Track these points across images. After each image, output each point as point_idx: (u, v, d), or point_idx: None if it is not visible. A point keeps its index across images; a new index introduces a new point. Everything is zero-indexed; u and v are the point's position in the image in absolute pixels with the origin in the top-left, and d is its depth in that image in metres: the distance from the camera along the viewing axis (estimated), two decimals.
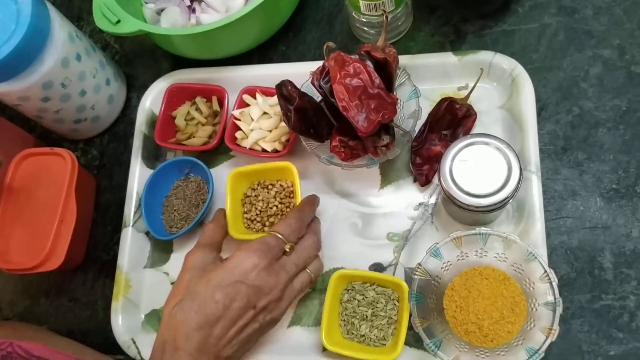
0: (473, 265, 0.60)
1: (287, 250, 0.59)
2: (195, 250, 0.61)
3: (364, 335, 0.64)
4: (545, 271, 0.56)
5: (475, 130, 0.69)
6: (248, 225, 0.70)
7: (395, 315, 0.64)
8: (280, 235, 0.59)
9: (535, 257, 0.57)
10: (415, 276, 0.59)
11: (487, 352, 0.57)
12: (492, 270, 0.60)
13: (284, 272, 0.58)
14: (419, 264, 0.59)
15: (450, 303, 0.60)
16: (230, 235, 0.68)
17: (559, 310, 0.55)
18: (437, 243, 0.59)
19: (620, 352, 0.61)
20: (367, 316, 0.65)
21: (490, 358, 0.57)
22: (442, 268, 0.61)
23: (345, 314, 0.66)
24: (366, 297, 0.65)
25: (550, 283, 0.56)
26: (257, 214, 0.70)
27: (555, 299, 0.55)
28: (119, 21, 0.72)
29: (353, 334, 0.65)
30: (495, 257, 0.60)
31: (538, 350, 0.54)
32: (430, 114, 0.70)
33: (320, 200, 0.67)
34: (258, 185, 0.71)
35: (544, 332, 0.55)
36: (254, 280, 0.56)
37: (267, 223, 0.69)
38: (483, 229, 0.59)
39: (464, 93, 0.69)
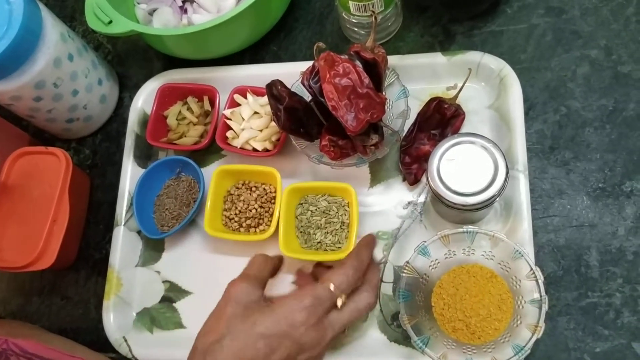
0: (461, 263, 0.61)
1: (339, 305, 0.55)
2: (240, 281, 0.56)
3: (320, 242, 0.68)
4: (532, 269, 0.57)
5: (463, 130, 0.70)
6: (226, 223, 0.71)
7: (347, 219, 0.68)
8: (334, 288, 0.54)
9: (522, 255, 0.57)
10: (403, 274, 0.60)
11: (474, 349, 0.58)
12: (479, 268, 0.60)
13: (330, 329, 0.54)
14: (407, 262, 0.60)
15: (438, 300, 0.60)
16: (205, 231, 0.70)
17: (545, 307, 0.55)
18: (425, 241, 0.60)
19: (606, 348, 0.61)
20: (321, 224, 0.69)
21: (477, 355, 0.57)
22: (430, 266, 0.61)
23: (301, 226, 0.69)
24: (319, 207, 0.69)
25: (537, 281, 0.56)
26: (236, 214, 0.71)
27: (541, 296, 0.56)
28: (111, 21, 0.72)
29: (310, 242, 0.69)
30: (482, 255, 0.61)
31: (524, 347, 0.54)
32: (419, 114, 0.70)
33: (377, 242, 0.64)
34: (243, 185, 0.72)
35: (530, 329, 0.55)
36: (300, 337, 0.52)
37: (244, 224, 0.71)
38: (470, 227, 0.59)
39: (452, 93, 0.70)
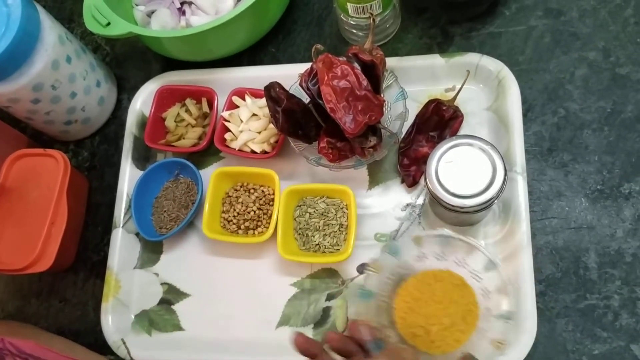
0: (431, 267, 0.57)
1: None
2: None
3: (318, 244, 0.68)
4: (503, 282, 0.54)
5: (462, 132, 0.70)
6: (224, 225, 0.71)
7: (345, 221, 0.68)
8: None
9: (496, 267, 0.54)
10: (368, 271, 0.56)
11: (431, 358, 0.54)
12: (448, 274, 0.56)
13: None
14: (373, 259, 0.57)
15: (402, 303, 0.56)
16: (204, 233, 0.70)
17: (512, 323, 0.52)
18: (396, 240, 0.57)
19: (604, 350, 0.61)
20: (319, 226, 0.69)
21: None
22: (398, 266, 0.57)
23: (299, 228, 0.70)
24: (317, 209, 0.69)
25: (507, 295, 0.53)
26: (234, 216, 0.71)
27: (508, 311, 0.53)
28: (109, 23, 0.72)
29: (308, 244, 0.69)
30: (455, 261, 0.57)
31: None
32: (417, 116, 0.70)
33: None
34: (241, 187, 0.72)
35: (494, 345, 0.52)
36: None
37: (242, 226, 0.71)
38: (446, 232, 0.56)
39: (451, 95, 0.70)
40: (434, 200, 0.60)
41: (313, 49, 0.65)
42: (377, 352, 0.50)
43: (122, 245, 0.73)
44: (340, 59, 0.63)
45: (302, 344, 0.52)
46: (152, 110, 0.76)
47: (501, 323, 0.53)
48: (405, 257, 0.58)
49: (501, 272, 0.54)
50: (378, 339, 0.52)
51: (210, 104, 0.76)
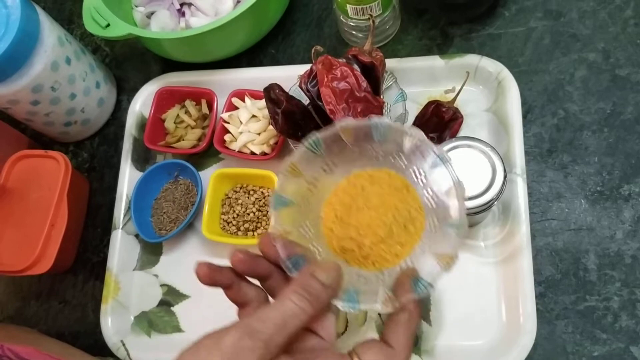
0: (365, 166, 0.47)
1: None
2: (240, 339, 0.38)
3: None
4: (453, 183, 0.43)
5: (461, 133, 0.70)
6: (224, 226, 0.71)
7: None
8: None
9: (444, 163, 0.44)
10: (283, 174, 0.45)
11: (364, 277, 0.45)
12: (387, 175, 0.46)
13: None
14: (290, 162, 0.46)
15: (330, 212, 0.46)
16: (203, 235, 0.70)
17: (463, 233, 0.42)
18: (317, 132, 0.45)
19: (604, 352, 0.61)
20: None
21: (365, 284, 0.44)
22: (322, 168, 0.47)
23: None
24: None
25: (457, 198, 0.43)
26: (234, 217, 0.71)
27: (460, 218, 0.42)
28: (108, 25, 0.72)
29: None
30: (392, 159, 0.47)
31: (426, 283, 0.41)
32: (417, 117, 0.70)
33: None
34: (240, 188, 0.72)
35: (441, 260, 0.42)
36: None
37: (241, 228, 0.70)
38: (379, 120, 0.45)
39: (450, 96, 0.70)
40: None
41: (312, 51, 0.65)
42: (295, 271, 0.42)
43: (121, 247, 0.73)
44: (340, 60, 0.63)
45: (206, 276, 0.43)
46: (152, 111, 0.76)
47: (451, 234, 0.42)
48: (332, 155, 0.47)
49: (451, 169, 0.44)
50: (297, 255, 0.43)
51: (210, 106, 0.76)
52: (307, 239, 0.46)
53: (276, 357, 0.38)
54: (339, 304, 0.42)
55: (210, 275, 0.43)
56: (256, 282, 0.46)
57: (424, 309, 0.65)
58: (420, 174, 0.45)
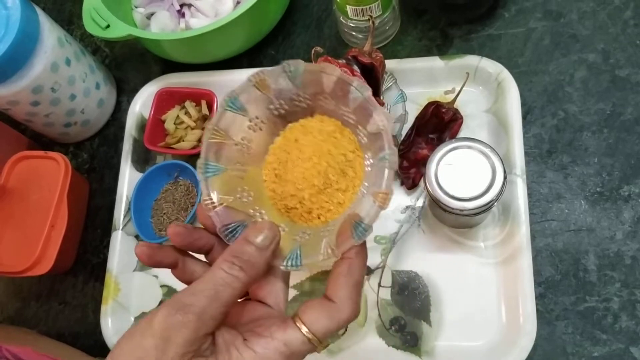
0: (299, 118, 0.44)
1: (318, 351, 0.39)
2: (169, 314, 0.36)
3: None
4: (377, 112, 0.39)
5: (461, 134, 0.70)
6: None
7: None
8: (314, 339, 0.38)
9: (362, 94, 0.40)
10: (207, 140, 0.42)
11: (310, 232, 0.42)
12: (319, 121, 0.44)
13: None
14: (212, 124, 0.42)
15: (270, 172, 0.44)
16: None
17: (392, 165, 0.38)
18: (234, 91, 0.42)
19: (604, 353, 0.61)
20: None
21: (310, 240, 0.42)
22: (249, 127, 0.44)
23: None
24: None
25: (381, 131, 0.39)
26: None
27: (389, 149, 0.38)
28: (108, 26, 0.73)
29: None
30: (322, 103, 0.43)
31: (362, 223, 0.38)
32: (417, 118, 0.70)
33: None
34: None
35: (377, 198, 0.38)
36: None
37: None
38: (292, 62, 0.41)
39: (450, 97, 0.70)
40: (434, 202, 0.60)
41: (312, 52, 0.65)
42: (233, 239, 0.40)
43: (121, 248, 0.73)
44: (340, 61, 0.63)
45: (147, 256, 0.40)
46: (152, 112, 0.76)
47: (383, 168, 0.38)
48: (255, 112, 0.43)
49: (372, 100, 0.40)
50: (235, 223, 0.41)
51: (210, 107, 0.76)
52: (248, 204, 0.43)
53: (214, 329, 0.37)
54: (281, 264, 0.39)
55: (150, 255, 0.40)
56: (202, 257, 0.44)
57: (424, 310, 0.65)
58: (348, 112, 0.42)
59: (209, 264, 0.43)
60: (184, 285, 0.68)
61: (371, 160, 0.41)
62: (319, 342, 0.38)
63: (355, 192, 0.42)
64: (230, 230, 0.40)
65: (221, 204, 0.41)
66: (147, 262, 0.41)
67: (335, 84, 0.41)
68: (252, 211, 0.42)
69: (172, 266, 0.42)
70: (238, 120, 0.43)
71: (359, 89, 0.39)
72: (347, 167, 0.42)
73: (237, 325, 0.40)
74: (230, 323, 0.39)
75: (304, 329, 0.38)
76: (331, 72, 0.40)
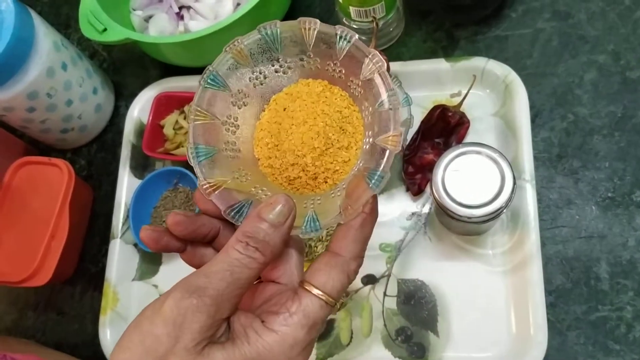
0: (282, 87, 0.42)
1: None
2: (183, 298, 0.33)
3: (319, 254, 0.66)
4: (366, 55, 0.37)
5: (468, 138, 0.68)
6: None
7: None
8: (331, 300, 0.37)
9: (349, 40, 0.38)
10: (194, 122, 0.40)
11: (319, 199, 0.40)
12: (305, 85, 0.42)
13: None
14: (195, 105, 0.40)
15: (262, 149, 0.42)
16: None
17: (396, 105, 0.36)
18: (211, 65, 0.40)
19: None
20: (322, 237, 0.67)
21: (322, 205, 0.39)
22: (233, 103, 0.41)
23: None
24: None
25: (380, 76, 0.37)
26: None
27: (388, 91, 0.37)
28: (105, 29, 0.71)
29: (311, 255, 0.67)
30: (303, 64, 0.41)
31: (378, 171, 0.36)
32: (422, 122, 0.69)
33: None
34: None
35: (387, 142, 0.36)
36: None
37: None
38: (269, 27, 0.40)
39: (456, 100, 0.68)
40: (441, 209, 0.58)
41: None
42: (242, 219, 0.37)
43: (120, 257, 0.72)
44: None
45: (153, 240, 0.38)
46: (150, 117, 0.74)
47: (385, 112, 0.37)
48: (238, 85, 0.41)
49: (359, 43, 0.38)
50: (240, 202, 0.38)
51: None
52: (247, 184, 0.40)
53: (230, 314, 0.34)
54: (300, 233, 0.37)
55: (156, 239, 0.38)
56: None
57: (431, 320, 0.63)
58: (335, 66, 0.40)
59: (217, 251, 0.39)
60: None
61: (370, 109, 0.39)
62: (334, 302, 0.37)
63: (359, 147, 0.40)
64: (235, 210, 0.38)
65: (220, 186, 0.38)
66: (154, 247, 0.38)
67: (317, 38, 0.39)
68: (253, 189, 0.40)
69: (180, 250, 0.39)
70: (220, 97, 0.40)
71: (345, 35, 0.38)
72: (344, 123, 0.40)
73: (250, 309, 0.37)
74: (243, 308, 0.37)
75: (319, 293, 0.36)
76: (310, 25, 0.39)
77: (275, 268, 0.39)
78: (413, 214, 0.67)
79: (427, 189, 0.67)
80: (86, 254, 0.76)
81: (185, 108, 0.76)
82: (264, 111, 0.42)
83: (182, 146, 0.74)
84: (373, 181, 0.36)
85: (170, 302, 0.32)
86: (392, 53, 0.74)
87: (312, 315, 0.35)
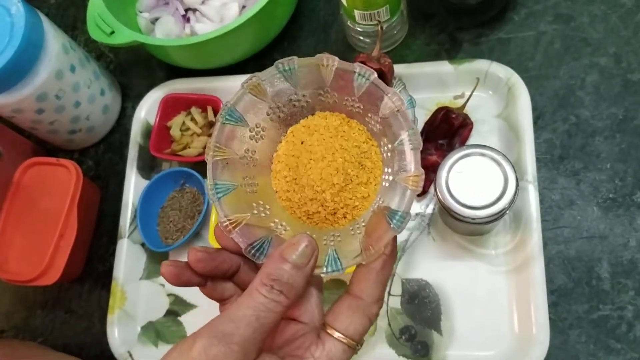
0: (298, 119, 0.42)
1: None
2: (210, 345, 0.33)
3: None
4: (386, 93, 0.37)
5: (471, 140, 0.69)
6: None
7: None
8: (353, 343, 0.37)
9: (367, 79, 0.38)
10: (211, 157, 0.39)
11: (339, 234, 0.40)
12: (322, 118, 0.41)
13: None
14: (215, 142, 0.39)
15: (280, 181, 0.41)
16: (210, 244, 0.68)
17: (416, 145, 0.36)
18: (229, 102, 0.40)
19: None
20: None
21: (342, 242, 0.39)
22: (251, 137, 0.41)
23: None
24: None
25: (398, 111, 0.37)
26: None
27: (408, 130, 0.37)
28: (113, 32, 0.72)
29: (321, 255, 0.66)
30: (321, 98, 0.41)
31: (399, 211, 0.36)
32: (426, 124, 0.69)
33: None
34: None
35: (408, 182, 0.36)
36: None
37: None
38: (286, 62, 0.40)
39: (460, 102, 0.69)
40: (444, 210, 0.59)
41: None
42: (263, 258, 0.38)
43: (127, 256, 0.73)
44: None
45: (174, 276, 0.38)
46: (157, 119, 0.75)
47: (405, 149, 0.37)
48: (255, 119, 0.41)
49: (378, 83, 0.38)
50: (260, 239, 0.38)
51: (216, 113, 0.75)
52: (267, 218, 0.40)
53: (256, 358, 0.35)
54: (322, 273, 0.37)
55: (177, 275, 0.38)
56: None
57: (434, 319, 0.64)
58: (353, 101, 0.40)
59: (238, 286, 0.41)
60: (192, 294, 0.67)
61: (389, 146, 0.39)
62: (356, 345, 0.37)
63: (378, 182, 0.40)
64: (256, 248, 0.38)
65: (240, 222, 0.38)
66: (175, 282, 0.38)
67: (336, 75, 0.39)
68: (272, 224, 0.40)
69: (201, 284, 0.40)
70: (238, 132, 0.40)
71: (363, 73, 0.38)
72: (363, 158, 0.40)
73: (272, 348, 0.38)
74: (265, 347, 0.37)
75: (341, 337, 0.37)
76: (328, 62, 0.38)
77: (296, 307, 0.39)
78: (417, 214, 0.68)
79: (431, 190, 0.68)
80: (94, 253, 0.77)
81: (192, 109, 0.76)
82: (281, 142, 0.42)
83: (189, 147, 0.75)
84: (394, 221, 0.36)
85: (198, 348, 0.33)
86: (396, 55, 0.75)
87: (335, 359, 0.36)
